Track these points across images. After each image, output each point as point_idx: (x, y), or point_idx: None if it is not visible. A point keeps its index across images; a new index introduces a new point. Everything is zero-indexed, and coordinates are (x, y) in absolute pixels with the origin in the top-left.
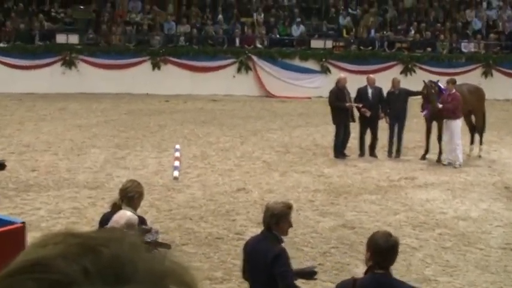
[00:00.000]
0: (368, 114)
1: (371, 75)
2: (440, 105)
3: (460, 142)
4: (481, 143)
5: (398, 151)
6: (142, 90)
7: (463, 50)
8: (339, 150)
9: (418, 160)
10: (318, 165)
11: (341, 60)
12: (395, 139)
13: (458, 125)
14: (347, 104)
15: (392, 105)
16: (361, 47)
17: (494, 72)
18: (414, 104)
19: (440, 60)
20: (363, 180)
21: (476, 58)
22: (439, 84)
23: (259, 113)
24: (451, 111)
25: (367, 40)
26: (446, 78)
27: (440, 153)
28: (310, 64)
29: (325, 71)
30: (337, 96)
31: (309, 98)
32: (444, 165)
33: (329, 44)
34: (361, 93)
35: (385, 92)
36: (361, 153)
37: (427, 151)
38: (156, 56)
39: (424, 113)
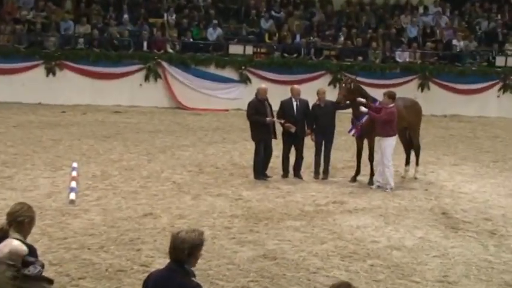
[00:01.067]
0: (293, 130)
1: (296, 86)
2: (363, 109)
3: (392, 163)
4: (417, 163)
5: (325, 172)
6: (35, 99)
7: (398, 59)
8: (259, 170)
9: (347, 182)
10: (236, 187)
11: (262, 68)
12: (322, 158)
13: (391, 144)
14: (267, 119)
15: (319, 121)
16: (285, 54)
17: (431, 84)
18: (344, 119)
19: (373, 70)
20: (286, 204)
21: (412, 69)
22: (372, 96)
23: (169, 127)
24: (382, 126)
25: (292, 46)
26: (380, 90)
27: (372, 174)
28: (228, 72)
29: (244, 80)
30: (257, 109)
31: (226, 110)
32: (373, 188)
33: (249, 50)
34: (285, 106)
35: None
36: (285, 174)
37: (357, 172)
38: (51, 60)
39: (352, 132)
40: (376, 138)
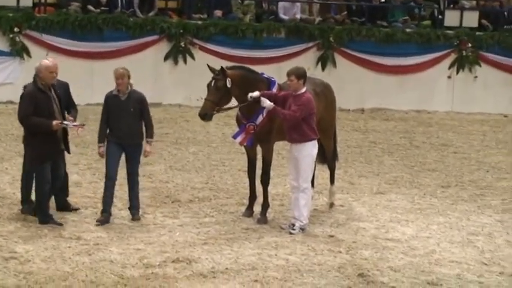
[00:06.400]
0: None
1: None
2: (266, 103)
3: (310, 185)
4: (332, 181)
5: (134, 207)
6: None
7: (282, 15)
8: (47, 208)
9: (202, 223)
10: (6, 238)
11: (53, 32)
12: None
13: (310, 154)
14: (60, 123)
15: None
16: (90, 7)
17: (337, 57)
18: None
19: (240, 34)
20: (93, 266)
21: (305, 31)
22: (267, 76)
23: None
24: (295, 126)
25: None
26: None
27: (265, 205)
28: None
29: (19, 52)
30: (37, 104)
31: None
32: (285, 228)
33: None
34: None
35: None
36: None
37: (252, 198)
38: None
39: (239, 138)
40: (290, 146)
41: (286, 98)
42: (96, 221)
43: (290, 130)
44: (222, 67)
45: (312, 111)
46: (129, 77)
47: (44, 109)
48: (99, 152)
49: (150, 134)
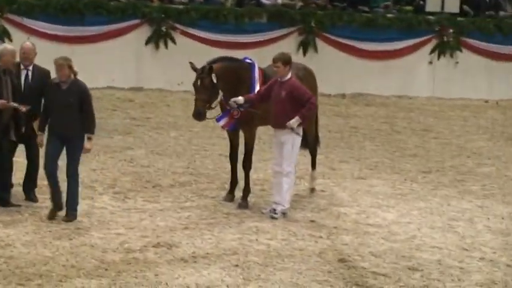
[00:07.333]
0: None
1: (27, 44)
2: (232, 103)
3: (294, 170)
4: (313, 166)
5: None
6: None
7: (264, 1)
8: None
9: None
10: None
11: (30, 13)
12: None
13: (296, 138)
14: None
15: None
16: None
17: (318, 42)
18: None
19: (222, 18)
20: (74, 250)
21: (286, 16)
22: (248, 59)
23: None
24: (282, 111)
25: None
26: (235, 52)
27: (247, 190)
28: None
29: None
30: None
31: None
32: (265, 213)
33: None
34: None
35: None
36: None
37: (234, 183)
38: None
39: (222, 121)
40: (268, 131)
41: (270, 88)
42: (47, 217)
43: (279, 115)
44: (206, 67)
45: (296, 94)
46: (69, 67)
47: None
48: (38, 141)
49: (89, 129)
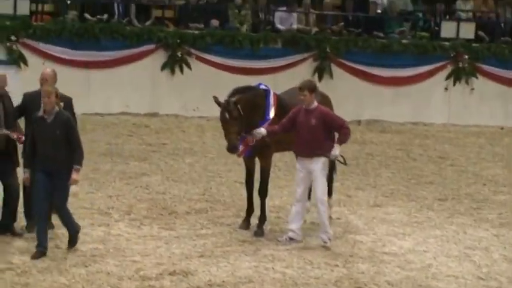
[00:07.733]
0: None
1: (47, 71)
2: (261, 132)
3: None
4: (329, 193)
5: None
6: None
7: (278, 25)
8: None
9: (194, 239)
10: None
11: (49, 40)
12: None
13: (325, 164)
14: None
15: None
16: (87, 15)
17: (333, 68)
18: None
19: (237, 43)
20: (89, 278)
21: (302, 42)
22: (263, 86)
23: None
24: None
25: (100, 2)
26: (250, 78)
27: (263, 219)
28: None
29: (15, 60)
30: None
31: None
32: (281, 241)
33: (24, 7)
34: (28, 101)
35: None
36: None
37: (250, 211)
38: None
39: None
40: (298, 160)
41: (294, 117)
42: (31, 257)
43: (310, 143)
44: (232, 100)
45: (325, 123)
46: (57, 96)
47: None
48: (23, 179)
49: (76, 160)
